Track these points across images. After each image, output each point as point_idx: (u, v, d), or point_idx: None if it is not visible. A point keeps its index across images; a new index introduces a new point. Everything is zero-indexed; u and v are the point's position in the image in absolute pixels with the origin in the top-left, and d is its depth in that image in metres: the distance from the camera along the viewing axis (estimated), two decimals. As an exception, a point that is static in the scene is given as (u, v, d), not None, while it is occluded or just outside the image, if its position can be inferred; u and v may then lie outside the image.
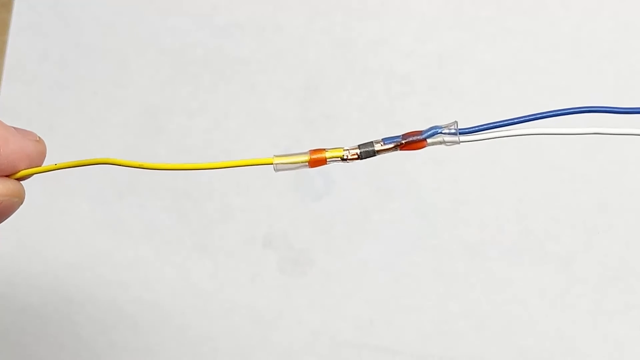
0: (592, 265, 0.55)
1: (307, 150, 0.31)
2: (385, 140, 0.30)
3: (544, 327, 0.55)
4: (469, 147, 0.57)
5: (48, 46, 0.60)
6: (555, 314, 0.55)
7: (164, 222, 0.57)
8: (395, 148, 0.30)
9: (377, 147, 0.30)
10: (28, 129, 0.62)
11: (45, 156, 0.32)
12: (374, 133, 0.57)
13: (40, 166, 0.32)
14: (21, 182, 0.31)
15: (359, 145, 0.31)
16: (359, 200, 0.57)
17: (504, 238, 0.56)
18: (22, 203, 0.32)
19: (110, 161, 0.31)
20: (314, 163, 0.31)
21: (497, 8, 0.58)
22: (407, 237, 0.56)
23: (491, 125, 0.29)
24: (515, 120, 0.29)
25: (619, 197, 0.56)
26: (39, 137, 0.32)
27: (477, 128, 0.29)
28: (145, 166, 0.31)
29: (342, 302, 0.56)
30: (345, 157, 0.31)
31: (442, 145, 0.30)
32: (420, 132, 0.30)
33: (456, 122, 0.29)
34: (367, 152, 0.31)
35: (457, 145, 0.30)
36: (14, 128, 0.31)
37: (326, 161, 0.31)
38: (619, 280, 0.55)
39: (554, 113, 0.30)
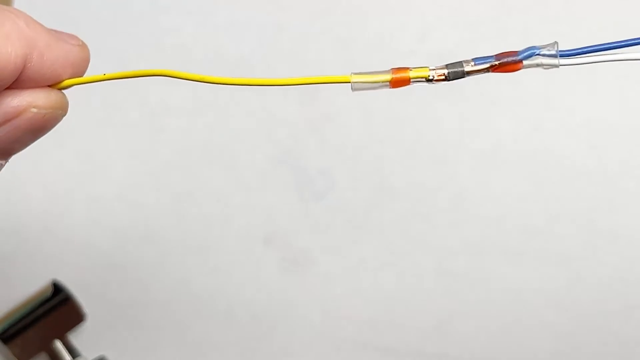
0: (593, 264, 0.55)
1: (388, 69, 0.27)
2: (476, 61, 0.28)
3: (544, 327, 0.55)
4: (469, 146, 0.58)
5: (48, 46, 0.59)
6: (556, 314, 0.55)
7: (164, 222, 0.57)
8: (487, 70, 0.28)
9: (468, 67, 0.28)
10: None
11: (88, 63, 0.29)
12: (375, 133, 0.57)
13: (83, 74, 0.29)
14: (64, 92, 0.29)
15: (446, 65, 0.27)
16: (359, 200, 0.57)
17: (505, 237, 0.56)
18: (65, 115, 0.29)
19: (165, 73, 0.29)
20: (396, 83, 0.27)
21: (497, 8, 0.58)
22: (407, 236, 0.56)
23: (596, 47, 0.26)
24: (622, 44, 0.26)
25: (620, 196, 0.56)
26: (82, 42, 0.29)
27: (579, 50, 0.26)
28: (206, 80, 0.28)
29: (342, 302, 0.56)
30: (431, 77, 0.27)
31: (539, 69, 0.27)
32: (516, 53, 0.27)
33: (556, 42, 0.27)
34: (455, 72, 0.27)
35: (554, 69, 0.26)
36: (55, 31, 0.28)
37: (410, 81, 0.27)
38: (620, 279, 0.55)
39: None
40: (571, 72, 0.58)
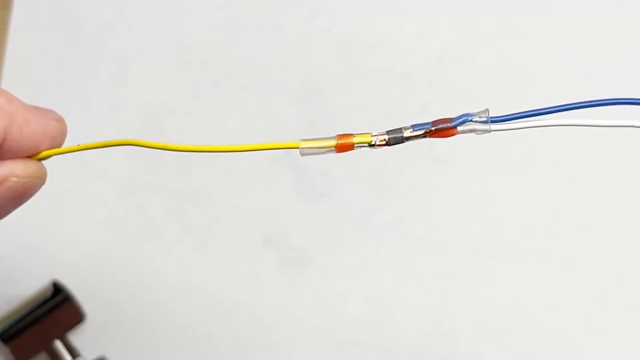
0: (593, 265, 0.55)
1: (334, 135, 0.30)
2: (414, 127, 0.30)
3: (544, 327, 0.55)
4: (469, 146, 0.58)
5: (48, 46, 0.60)
6: (556, 314, 0.55)
7: (164, 222, 0.57)
8: (424, 135, 0.30)
9: (406, 133, 0.30)
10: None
11: (66, 136, 0.31)
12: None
13: (61, 145, 0.31)
14: (42, 162, 0.31)
15: (387, 131, 0.30)
16: (359, 200, 0.57)
17: (504, 238, 0.56)
18: (43, 184, 0.31)
19: (134, 142, 0.30)
20: (341, 148, 0.30)
21: (497, 8, 0.58)
22: (407, 236, 0.56)
23: (524, 114, 0.29)
24: (549, 110, 0.29)
25: (619, 196, 0.56)
26: (59, 116, 0.31)
27: (509, 117, 0.29)
28: (169, 148, 0.30)
29: (342, 302, 0.56)
30: (373, 142, 0.30)
31: (473, 134, 0.29)
32: (450, 120, 0.30)
33: (487, 110, 0.29)
34: (395, 138, 0.30)
35: (486, 134, 0.29)
36: (34, 107, 0.30)
37: (353, 147, 0.30)
38: (620, 280, 0.55)
39: (589, 104, 0.28)
40: (572, 73, 0.58)
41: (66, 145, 0.32)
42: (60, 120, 0.31)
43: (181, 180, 0.58)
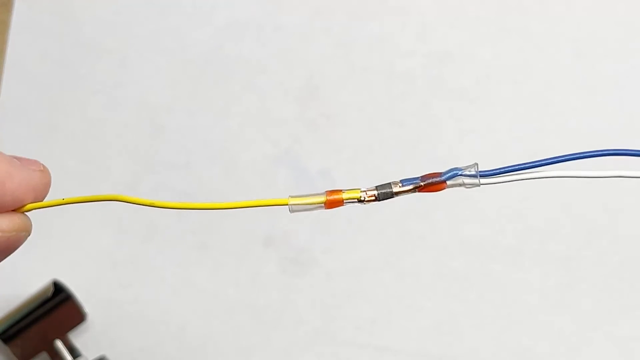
0: (593, 265, 0.55)
1: (323, 191, 0.30)
2: (403, 182, 0.30)
3: (544, 327, 0.55)
4: (469, 147, 0.58)
5: (48, 46, 0.60)
6: (556, 314, 0.55)
7: (164, 221, 0.57)
8: (414, 190, 0.30)
9: (396, 189, 0.30)
10: (28, 129, 0.63)
11: (50, 186, 0.31)
12: (374, 133, 0.57)
13: (45, 197, 0.31)
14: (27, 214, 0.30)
15: (376, 187, 0.30)
16: (359, 200, 0.57)
17: (504, 238, 0.56)
18: (29, 236, 0.31)
19: (121, 198, 0.30)
20: (331, 204, 0.30)
21: (497, 8, 0.58)
22: (407, 237, 0.56)
23: (512, 168, 0.29)
24: (537, 163, 0.29)
25: (619, 196, 0.56)
26: (43, 166, 0.31)
27: (498, 171, 0.29)
28: (156, 204, 0.30)
29: (342, 302, 0.56)
30: (362, 198, 0.30)
31: (462, 188, 0.29)
32: (439, 174, 0.30)
33: (476, 164, 0.29)
34: (385, 193, 0.30)
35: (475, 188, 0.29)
36: (17, 158, 0.30)
37: (343, 202, 0.30)
38: (620, 280, 0.55)
39: (578, 156, 0.29)
40: (571, 74, 0.58)
41: (52, 198, 0.32)
42: (44, 171, 0.31)
43: (181, 180, 0.58)
